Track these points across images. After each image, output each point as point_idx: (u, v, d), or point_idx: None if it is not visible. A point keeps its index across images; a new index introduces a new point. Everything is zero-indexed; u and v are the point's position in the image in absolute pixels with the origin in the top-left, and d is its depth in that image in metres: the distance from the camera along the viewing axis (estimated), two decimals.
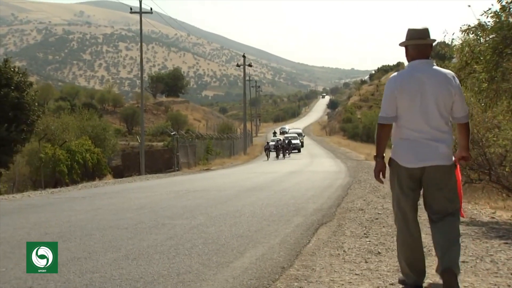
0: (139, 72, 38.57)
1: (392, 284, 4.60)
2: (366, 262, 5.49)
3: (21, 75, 21.56)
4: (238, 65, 61.52)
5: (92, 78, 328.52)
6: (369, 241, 6.58)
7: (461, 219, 4.73)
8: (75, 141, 30.41)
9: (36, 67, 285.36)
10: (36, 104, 22.39)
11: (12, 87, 20.39)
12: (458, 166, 4.68)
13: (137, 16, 38.30)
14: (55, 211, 11.07)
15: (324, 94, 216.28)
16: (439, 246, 4.29)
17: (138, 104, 60.94)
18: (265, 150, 44.33)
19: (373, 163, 4.60)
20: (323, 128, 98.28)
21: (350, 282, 4.72)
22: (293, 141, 50.62)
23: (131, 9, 39.02)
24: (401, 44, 4.61)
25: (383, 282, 4.69)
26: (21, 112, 20.59)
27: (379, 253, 5.89)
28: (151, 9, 38.76)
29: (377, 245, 6.33)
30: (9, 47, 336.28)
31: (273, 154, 45.00)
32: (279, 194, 13.04)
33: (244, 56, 61.66)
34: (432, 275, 4.76)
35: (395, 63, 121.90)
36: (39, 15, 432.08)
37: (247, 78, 64.78)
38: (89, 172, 30.08)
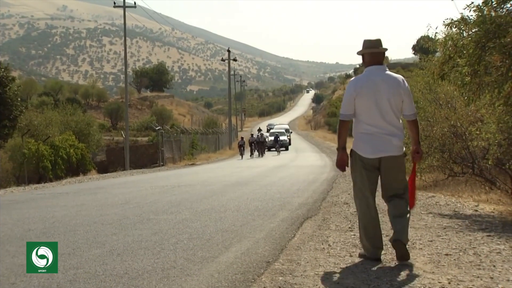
0: (123, 67, 38.36)
1: (377, 278, 4.62)
2: (351, 256, 5.50)
3: (3, 70, 21.35)
4: (222, 60, 61.39)
5: (76, 73, 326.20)
6: (354, 235, 6.61)
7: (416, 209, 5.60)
8: (58, 137, 30.17)
9: (19, 62, 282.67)
10: (19, 99, 22.19)
11: None
12: (415, 163, 5.49)
13: (120, 11, 38.04)
14: (39, 207, 11.00)
15: (309, 89, 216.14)
16: (392, 221, 5.13)
17: (122, 99, 60.67)
18: (250, 144, 41.37)
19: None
20: (308, 123, 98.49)
21: (335, 276, 4.74)
22: (281, 138, 46.94)
23: (114, 3, 38.76)
24: (358, 53, 5.45)
25: (368, 275, 4.71)
26: (4, 107, 20.42)
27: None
28: (134, 3, 38.51)
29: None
30: None
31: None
32: (264, 189, 13.05)
33: (228, 51, 61.53)
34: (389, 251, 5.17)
35: None
36: (21, 9, 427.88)
37: (232, 72, 64.72)
38: (73, 168, 29.88)
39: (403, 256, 4.99)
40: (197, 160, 36.06)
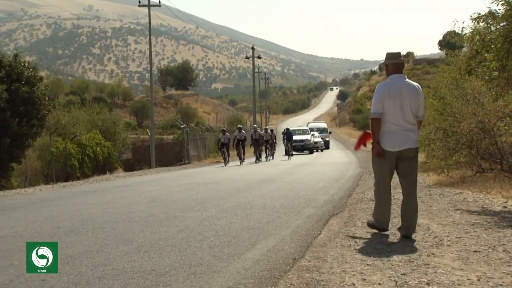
0: (149, 66, 38.62)
1: (404, 274, 4.59)
2: (377, 252, 5.47)
3: (31, 69, 21.62)
4: (247, 57, 61.43)
5: (102, 72, 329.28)
6: (380, 232, 6.56)
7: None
8: (85, 135, 30.51)
9: (46, 61, 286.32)
10: (47, 98, 22.42)
11: (23, 82, 20.46)
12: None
13: (145, 10, 38.31)
14: (67, 205, 11.13)
15: (333, 87, 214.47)
16: (402, 215, 6.19)
17: (147, 98, 61.06)
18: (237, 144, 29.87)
19: None
20: (333, 120, 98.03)
21: (362, 273, 4.71)
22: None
23: (139, 2, 39.01)
24: (382, 64, 6.66)
25: (395, 272, 4.68)
26: (32, 106, 20.66)
27: (392, 243, 5.87)
28: (159, 2, 38.74)
29: (388, 235, 6.31)
30: (19, 42, 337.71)
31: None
32: (289, 186, 13.04)
33: (253, 48, 61.54)
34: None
35: (404, 53, 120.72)
36: (48, 9, 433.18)
37: (256, 70, 64.72)
38: (100, 166, 30.20)
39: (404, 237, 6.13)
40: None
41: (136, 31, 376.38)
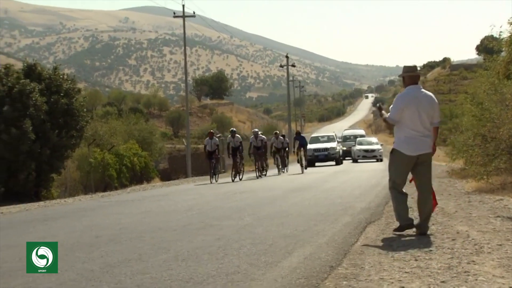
0: (184, 76, 38.98)
1: (443, 282, 4.53)
2: (416, 260, 5.41)
3: (70, 82, 22.05)
4: (281, 66, 61.55)
5: (138, 83, 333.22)
6: (419, 239, 6.49)
7: None
8: (123, 145, 30.91)
9: (84, 73, 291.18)
10: (85, 110, 22.85)
11: (62, 94, 20.88)
12: None
13: (180, 21, 38.75)
14: (106, 215, 11.30)
15: (368, 95, 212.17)
16: (420, 212, 6.93)
17: (183, 108, 61.58)
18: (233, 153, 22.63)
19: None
20: (369, 127, 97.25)
21: (400, 280, 4.66)
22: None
23: (174, 13, 39.48)
24: (399, 76, 7.19)
25: (434, 279, 4.62)
26: (71, 118, 21.05)
27: (430, 251, 5.79)
28: (193, 13, 39.14)
29: (426, 243, 6.24)
30: (58, 55, 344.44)
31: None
32: (325, 194, 12.99)
33: (287, 57, 61.61)
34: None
35: (440, 59, 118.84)
36: (86, 22, 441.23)
37: (290, 78, 64.73)
38: (137, 176, 30.55)
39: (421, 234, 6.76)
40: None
41: (171, 42, 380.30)
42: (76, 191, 24.42)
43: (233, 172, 21.63)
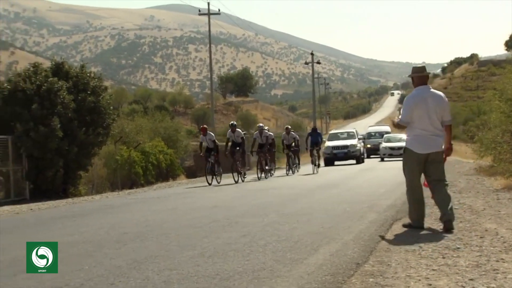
0: (209, 73, 39.13)
1: (472, 280, 4.48)
2: (443, 257, 5.36)
3: (96, 80, 22.24)
4: (306, 63, 61.41)
5: (164, 80, 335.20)
6: (446, 236, 6.43)
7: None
8: (148, 143, 31.10)
9: (110, 72, 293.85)
10: (111, 107, 23.01)
11: (89, 92, 21.08)
12: (445, 156, 7.11)
13: (205, 18, 38.90)
14: (132, 211, 11.41)
15: (393, 92, 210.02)
16: (439, 204, 6.91)
17: (208, 105, 61.81)
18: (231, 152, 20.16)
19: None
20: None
21: (427, 278, 4.63)
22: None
23: (199, 11, 39.62)
24: (408, 76, 7.39)
25: (462, 277, 4.58)
26: (98, 116, 21.24)
27: (458, 248, 5.73)
28: (218, 10, 39.26)
29: (454, 240, 6.18)
30: (85, 54, 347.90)
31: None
32: (351, 191, 12.95)
33: (312, 54, 61.45)
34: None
35: (468, 55, 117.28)
36: (112, 21, 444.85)
37: (315, 75, 64.53)
38: (163, 173, 30.72)
39: (449, 229, 6.71)
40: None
41: (196, 40, 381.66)
42: (103, 188, 24.67)
43: (234, 173, 19.36)
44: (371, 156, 35.55)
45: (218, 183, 19.11)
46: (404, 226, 7.18)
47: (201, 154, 20.11)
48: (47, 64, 23.25)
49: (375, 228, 7.25)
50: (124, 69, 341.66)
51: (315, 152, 23.58)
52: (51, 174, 19.31)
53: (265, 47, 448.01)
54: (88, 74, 22.11)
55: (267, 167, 21.74)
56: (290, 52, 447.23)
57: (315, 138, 24.38)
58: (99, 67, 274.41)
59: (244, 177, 20.16)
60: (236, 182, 19.08)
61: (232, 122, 21.24)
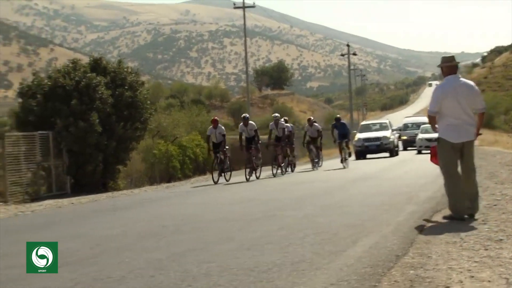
0: (244, 67, 39.16)
1: None
2: (485, 249, 5.26)
3: (133, 75, 22.45)
4: (342, 55, 60.99)
5: (199, 74, 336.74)
6: (488, 228, 6.31)
7: None
8: (185, 137, 31.30)
9: (147, 66, 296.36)
10: (149, 102, 23.21)
11: (126, 87, 21.30)
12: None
13: (240, 11, 38.90)
14: (171, 205, 11.53)
15: (431, 82, 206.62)
16: (468, 195, 6.93)
17: (244, 98, 61.86)
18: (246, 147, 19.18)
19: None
20: None
21: (470, 270, 4.55)
22: (382, 134, 28.80)
23: (234, 4, 39.69)
24: (438, 66, 7.35)
25: (505, 269, 4.49)
26: (135, 110, 21.46)
27: (500, 240, 5.62)
28: (253, 3, 39.22)
29: (497, 232, 6.05)
30: (122, 49, 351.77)
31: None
32: (388, 183, 12.83)
33: (348, 45, 60.95)
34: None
35: (509, 43, 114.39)
36: (148, 16, 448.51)
37: (351, 67, 64.00)
38: (200, 167, 30.87)
39: (453, 219, 6.90)
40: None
41: (231, 33, 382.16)
42: (142, 182, 24.94)
43: (247, 170, 17.98)
44: (408, 148, 34.41)
45: (227, 181, 17.65)
46: (444, 218, 7.11)
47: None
48: (85, 60, 23.55)
49: (414, 220, 7.16)
50: (160, 64, 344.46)
51: (344, 144, 21.81)
52: (91, 168, 19.60)
53: (300, 39, 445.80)
54: (125, 69, 22.35)
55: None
56: (325, 44, 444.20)
57: (343, 130, 22.56)
58: (136, 62, 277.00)
59: (286, 171, 20.06)
60: (274, 175, 18.82)
61: (244, 114, 19.77)
